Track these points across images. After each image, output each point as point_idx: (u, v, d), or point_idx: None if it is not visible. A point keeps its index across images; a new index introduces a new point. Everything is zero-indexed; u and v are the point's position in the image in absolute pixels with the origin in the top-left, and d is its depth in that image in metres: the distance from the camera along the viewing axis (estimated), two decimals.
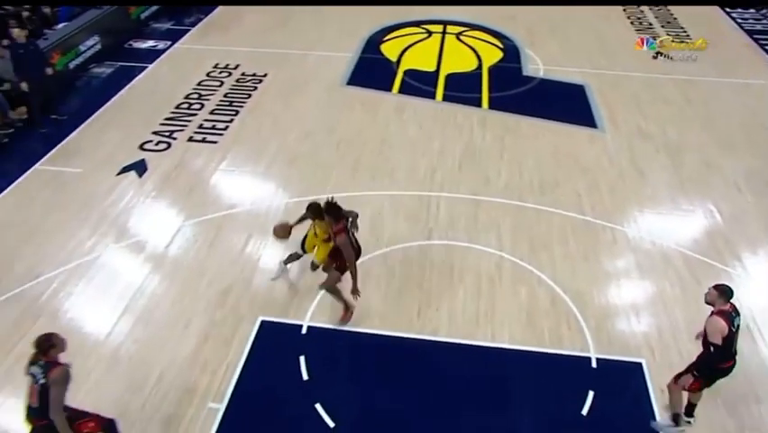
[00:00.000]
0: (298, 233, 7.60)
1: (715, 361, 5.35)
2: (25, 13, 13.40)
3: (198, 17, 16.50)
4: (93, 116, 11.68)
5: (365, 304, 7.45)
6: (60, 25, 13.93)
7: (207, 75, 13.34)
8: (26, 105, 11.45)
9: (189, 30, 15.89)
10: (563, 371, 6.73)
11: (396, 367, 6.80)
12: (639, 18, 16.68)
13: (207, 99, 12.33)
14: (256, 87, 12.75)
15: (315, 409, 6.22)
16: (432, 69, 13.65)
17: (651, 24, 16.29)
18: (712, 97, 12.54)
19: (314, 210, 7.11)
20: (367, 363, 6.85)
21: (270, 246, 8.40)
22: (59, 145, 10.78)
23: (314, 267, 7.59)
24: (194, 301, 7.48)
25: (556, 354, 6.88)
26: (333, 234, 6.76)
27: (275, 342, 7.08)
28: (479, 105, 12.18)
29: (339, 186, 9.53)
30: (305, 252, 7.67)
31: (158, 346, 6.99)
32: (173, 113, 11.84)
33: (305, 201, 9.14)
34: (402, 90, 12.76)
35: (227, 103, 12.15)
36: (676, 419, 5.86)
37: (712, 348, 5.25)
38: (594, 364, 6.73)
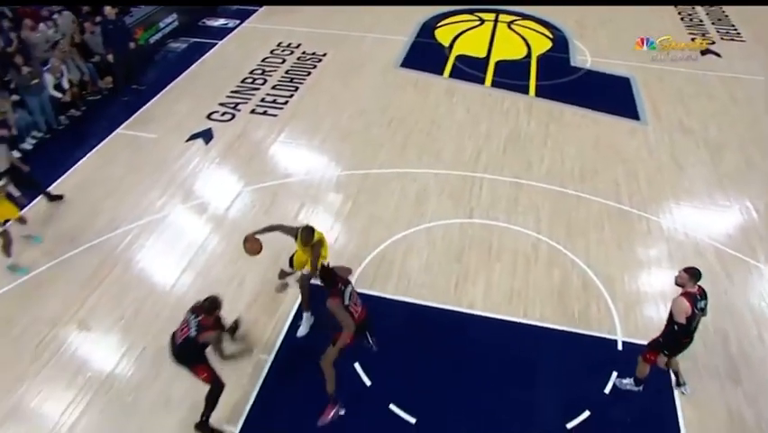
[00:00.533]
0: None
1: (678, 337, 5.51)
2: None
3: None
4: (167, 87, 11.96)
5: (406, 274, 7.50)
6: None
7: (271, 52, 13.42)
8: (112, 76, 11.87)
9: (257, 10, 15.93)
10: (590, 351, 6.65)
11: (430, 335, 6.84)
12: (690, 15, 15.87)
13: (270, 75, 12.42)
14: (315, 66, 12.76)
15: (354, 368, 6.34)
16: (482, 55, 13.37)
17: (701, 21, 15.49)
18: (758, 97, 11.90)
19: (293, 232, 6.50)
20: (404, 329, 6.89)
21: (321, 213, 8.52)
22: (137, 112, 11.11)
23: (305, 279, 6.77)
24: (248, 262, 7.60)
25: (584, 335, 6.80)
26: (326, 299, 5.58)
27: (321, 301, 7.16)
28: (526, 92, 11.89)
29: (388, 162, 9.54)
30: (293, 268, 6.95)
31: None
32: (238, 86, 11.99)
33: (355, 174, 9.30)
34: (453, 75, 12.56)
35: (288, 79, 12.22)
36: (638, 382, 6.06)
37: (676, 327, 5.40)
38: (620, 347, 6.62)
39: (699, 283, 5.44)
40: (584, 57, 13.39)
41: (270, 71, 12.57)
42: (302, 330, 6.87)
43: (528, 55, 13.44)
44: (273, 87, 11.94)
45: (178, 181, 9.31)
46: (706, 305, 5.53)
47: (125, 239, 8.20)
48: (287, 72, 12.52)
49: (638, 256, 7.94)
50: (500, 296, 7.26)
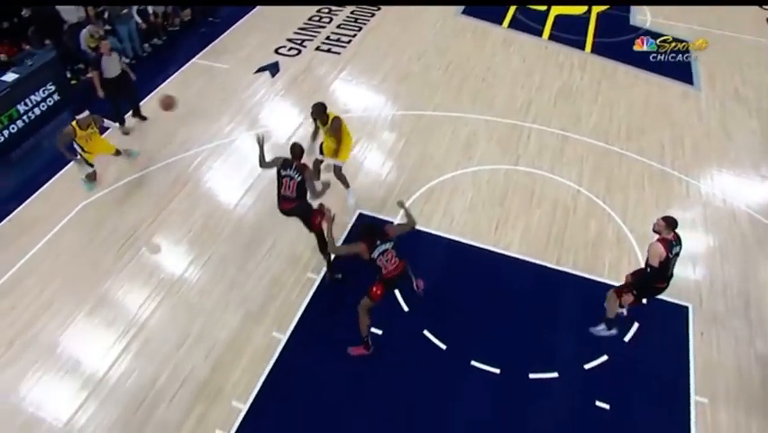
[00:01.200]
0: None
1: (651, 280, 5.48)
2: None
3: None
4: (240, 21, 11.79)
5: (450, 212, 7.44)
6: None
7: None
8: (190, 8, 11.76)
9: None
10: None
11: (467, 272, 6.85)
12: None
13: (336, 15, 12.07)
14: (379, 8, 12.29)
15: (395, 294, 6.43)
16: (543, 8, 12.57)
17: None
18: None
19: (315, 111, 6.91)
20: (443, 264, 6.91)
21: (374, 150, 8.46)
22: (212, 44, 11.07)
23: (337, 171, 7.20)
24: None
25: (612, 286, 6.65)
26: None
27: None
28: (582, 47, 11.21)
29: (442, 105, 9.29)
30: (323, 155, 7.22)
31: (273, 221, 7.32)
32: (306, 24, 11.74)
33: (410, 115, 9.12)
34: (512, 25, 11.90)
35: (353, 20, 11.86)
36: (610, 325, 6.02)
37: (649, 269, 5.38)
38: (644, 300, 6.47)
39: (675, 231, 5.40)
40: (644, 17, 12.43)
41: (337, 11, 12.20)
42: (351, 201, 7.47)
43: (588, 11, 12.56)
44: (338, 27, 11.63)
45: (245, 110, 9.34)
46: (680, 250, 5.46)
47: (196, 160, 8.38)
48: (352, 12, 12.14)
49: (675, 216, 7.59)
50: (537, 241, 7.15)
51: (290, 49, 10.89)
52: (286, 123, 9.01)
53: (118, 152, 7.88)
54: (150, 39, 11.09)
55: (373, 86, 9.86)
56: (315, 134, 7.28)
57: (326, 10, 12.21)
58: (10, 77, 8.96)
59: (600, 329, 6.11)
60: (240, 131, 8.91)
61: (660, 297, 6.44)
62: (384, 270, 5.40)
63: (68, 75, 10.08)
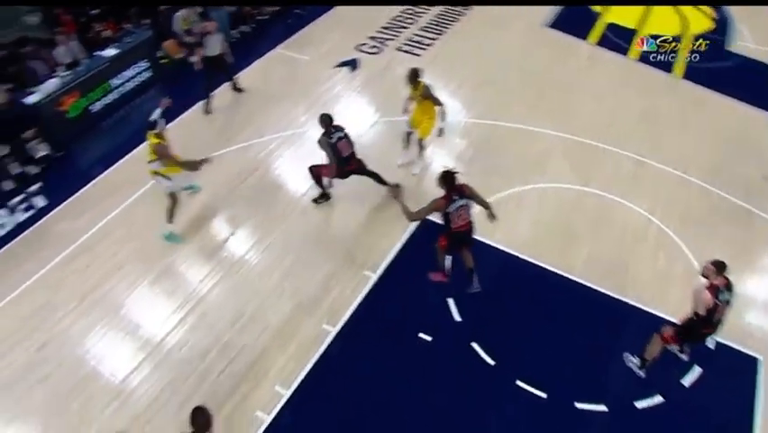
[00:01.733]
0: None
1: (697, 327, 5.30)
2: None
3: None
4: (325, 15, 12.03)
5: (513, 227, 7.28)
6: None
7: None
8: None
9: None
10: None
11: (524, 288, 6.69)
12: None
13: (420, 16, 12.09)
14: (465, 14, 12.20)
15: (447, 303, 6.38)
16: (633, 26, 12.06)
17: None
18: None
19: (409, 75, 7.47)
20: (500, 278, 6.78)
21: (444, 154, 8.40)
22: (296, 35, 11.38)
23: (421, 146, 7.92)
24: (375, 186, 7.75)
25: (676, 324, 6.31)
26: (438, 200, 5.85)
27: (429, 235, 7.07)
28: (670, 70, 10.66)
29: (517, 117, 9.08)
30: (412, 128, 7.83)
31: (337, 215, 7.51)
32: (389, 23, 11.82)
33: (483, 123, 9.00)
34: (599, 42, 11.49)
35: (436, 23, 11.83)
36: (643, 364, 5.75)
37: (695, 316, 5.20)
38: (710, 345, 6.09)
39: (725, 276, 5.14)
40: (745, 43, 11.66)
41: (421, 13, 12.21)
42: (415, 170, 8.14)
43: (682, 33, 11.93)
44: (421, 29, 11.64)
45: (321, 102, 9.53)
46: (730, 298, 5.18)
47: (269, 147, 8.64)
48: (437, 15, 12.11)
49: (752, 261, 7.12)
50: (601, 267, 6.87)
51: (372, 47, 11.01)
52: (359, 119, 9.12)
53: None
54: (238, 25, 11.51)
55: (449, 90, 9.78)
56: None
57: (411, 11, 12.24)
58: (109, 52, 9.58)
59: (634, 361, 5.86)
60: (314, 123, 8.92)
61: (728, 344, 6.08)
62: (453, 224, 5.84)
63: (160, 54, 10.64)
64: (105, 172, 8.37)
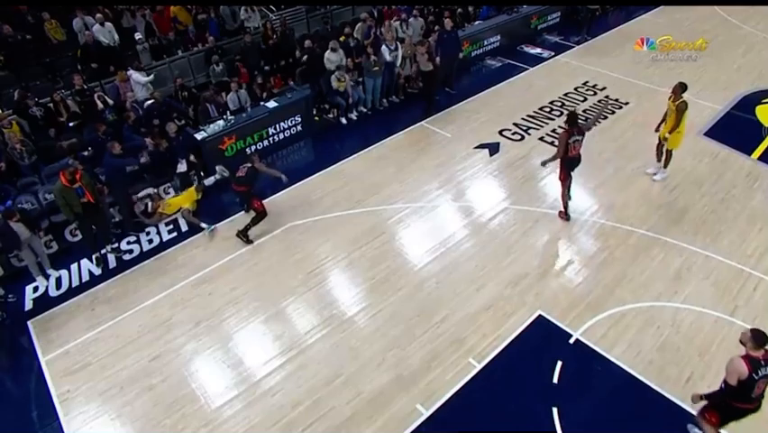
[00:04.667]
0: None
1: (725, 398, 4.92)
2: (459, 9, 14.75)
3: (585, 37, 15.89)
4: (473, 97, 12.35)
5: (637, 345, 6.57)
6: (477, 22, 14.89)
7: (575, 89, 12.86)
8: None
9: (573, 47, 15.42)
10: None
11: (640, 415, 5.89)
12: None
13: (567, 109, 11.91)
14: (614, 112, 11.84)
15: (551, 411, 5.84)
16: None
17: None
18: None
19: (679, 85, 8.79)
20: (615, 396, 6.08)
21: (572, 253, 7.96)
22: (442, 111, 11.71)
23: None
24: (493, 272, 7.54)
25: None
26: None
27: (543, 336, 6.76)
28: None
29: (658, 227, 8.38)
30: (662, 138, 9.16)
31: (451, 294, 7.32)
32: (535, 112, 11.80)
33: (620, 228, 8.45)
34: (763, 158, 10.41)
35: (584, 118, 11.54)
36: None
37: (724, 386, 4.88)
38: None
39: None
40: None
41: (569, 106, 12.07)
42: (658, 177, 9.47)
43: None
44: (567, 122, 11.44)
45: (455, 180, 9.62)
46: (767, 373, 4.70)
47: (397, 214, 8.80)
48: (584, 111, 11.88)
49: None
50: None
51: (514, 133, 11.02)
52: (490, 203, 9.03)
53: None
54: (389, 96, 12.21)
55: (590, 189, 9.38)
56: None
57: (559, 103, 12.16)
58: (271, 104, 10.63)
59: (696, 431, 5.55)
60: (445, 199, 9.17)
61: None
62: (570, 153, 7.97)
63: (314, 112, 11.56)
64: (240, 213, 9.05)
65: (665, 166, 9.41)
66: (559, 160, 8.11)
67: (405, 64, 12.06)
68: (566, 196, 8.42)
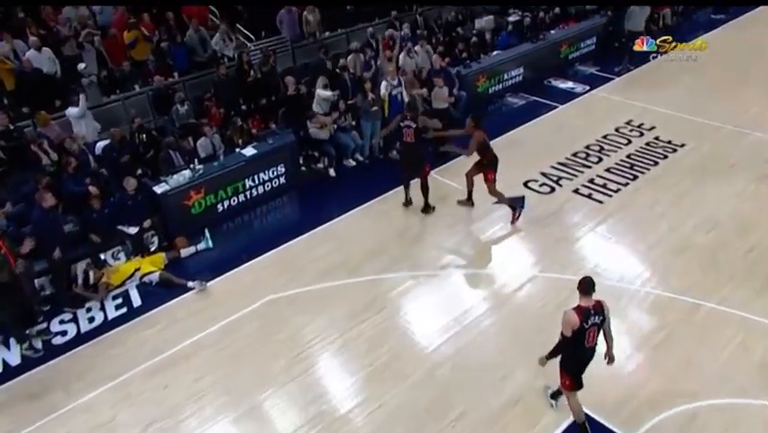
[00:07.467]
0: None
1: (566, 349, 6.10)
2: (473, 39, 15.44)
3: (627, 67, 16.42)
4: (491, 142, 12.40)
5: None
6: (495, 53, 15.50)
7: (616, 129, 13.17)
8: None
9: (613, 79, 15.94)
10: None
11: None
12: None
13: (607, 155, 12.17)
14: (666, 156, 12.06)
15: None
16: None
17: None
18: None
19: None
20: None
21: (622, 333, 7.79)
22: (451, 161, 11.79)
23: None
24: (521, 355, 7.41)
25: None
26: None
27: None
28: None
29: (731, 300, 8.30)
30: None
31: (469, 384, 7.21)
32: (568, 159, 12.03)
33: (680, 301, 8.44)
34: None
35: (628, 165, 11.79)
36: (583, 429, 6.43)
37: (561, 338, 6.03)
38: None
39: (597, 299, 5.92)
40: None
41: (609, 150, 12.32)
42: None
43: None
44: (607, 170, 11.65)
45: (472, 241, 9.71)
46: (602, 321, 5.95)
47: (401, 285, 8.83)
48: (628, 156, 12.10)
49: None
50: None
51: (542, 185, 11.20)
52: (516, 270, 9.04)
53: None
54: (393, 145, 12.43)
55: (639, 251, 9.43)
56: None
57: (597, 147, 12.41)
58: (249, 151, 10.87)
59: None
60: (460, 264, 9.23)
61: None
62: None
63: (301, 160, 11.79)
64: (213, 281, 9.08)
65: None
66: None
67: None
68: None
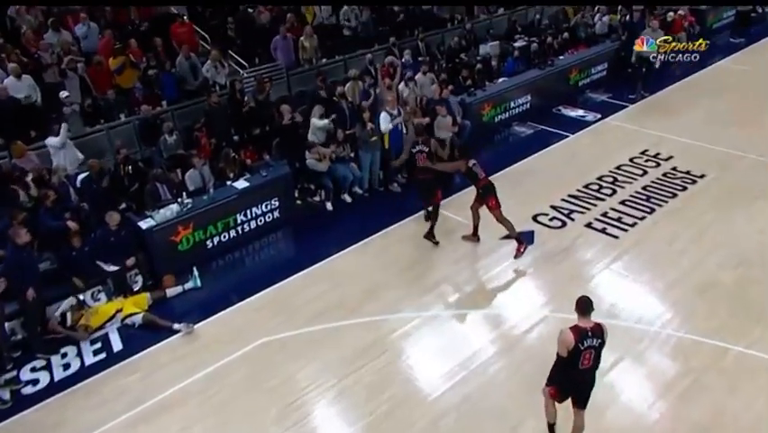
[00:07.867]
0: None
1: (560, 370, 6.18)
2: (478, 66, 15.48)
3: (641, 94, 16.40)
4: (497, 174, 11.97)
5: None
6: (501, 80, 15.52)
7: (631, 160, 13.04)
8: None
9: (626, 106, 15.91)
10: None
11: None
12: None
13: (622, 187, 12.01)
14: (685, 188, 11.87)
15: None
16: None
17: None
18: None
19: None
20: None
21: (641, 380, 7.61)
22: (458, 193, 11.61)
23: None
24: (532, 402, 7.05)
25: None
26: None
27: None
28: None
29: (761, 343, 8.03)
30: None
31: None
32: (579, 191, 11.88)
33: (706, 344, 8.16)
34: None
35: (644, 197, 11.61)
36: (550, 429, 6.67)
37: (557, 358, 6.14)
38: None
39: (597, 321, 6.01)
40: None
41: (624, 182, 12.16)
42: None
43: None
44: (622, 203, 11.47)
45: (478, 280, 9.53)
46: (600, 345, 5.97)
47: (403, 326, 8.63)
48: (644, 188, 11.93)
49: None
50: None
51: (552, 219, 11.03)
52: (526, 310, 8.82)
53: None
54: (394, 176, 12.38)
55: (657, 289, 9.19)
56: None
57: (610, 179, 12.26)
58: (241, 184, 10.77)
59: None
60: (466, 304, 9.04)
61: None
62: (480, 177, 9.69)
63: (296, 194, 11.65)
64: (202, 323, 8.88)
65: None
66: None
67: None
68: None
